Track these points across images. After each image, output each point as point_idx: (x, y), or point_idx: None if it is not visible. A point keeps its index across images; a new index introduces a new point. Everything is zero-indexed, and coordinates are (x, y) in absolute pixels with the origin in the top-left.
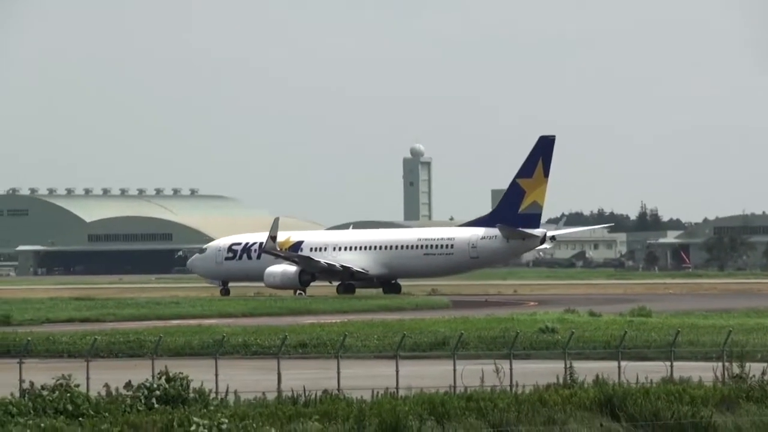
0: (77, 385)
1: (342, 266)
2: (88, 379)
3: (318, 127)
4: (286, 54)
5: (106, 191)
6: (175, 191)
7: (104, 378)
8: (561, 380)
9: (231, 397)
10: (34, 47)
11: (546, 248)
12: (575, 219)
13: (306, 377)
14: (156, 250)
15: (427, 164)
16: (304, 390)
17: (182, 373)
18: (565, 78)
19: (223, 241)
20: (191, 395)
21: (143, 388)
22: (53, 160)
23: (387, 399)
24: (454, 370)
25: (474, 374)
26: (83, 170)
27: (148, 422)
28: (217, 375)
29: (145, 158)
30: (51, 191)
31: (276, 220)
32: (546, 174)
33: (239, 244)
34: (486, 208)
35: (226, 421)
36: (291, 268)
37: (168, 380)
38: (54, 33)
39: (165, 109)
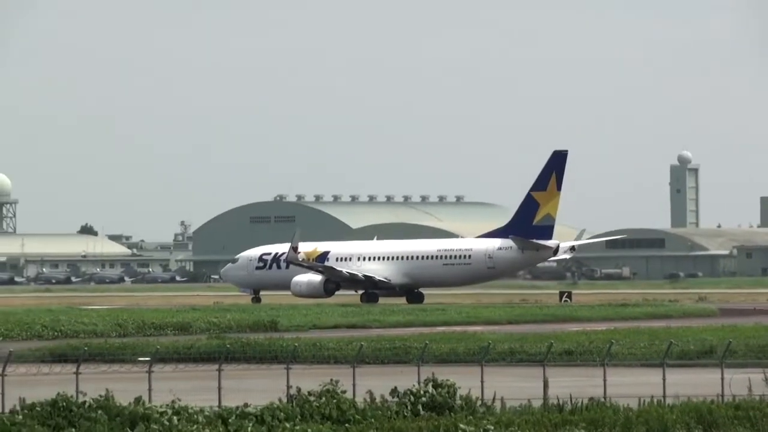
0: (343, 391)
1: (365, 276)
2: (354, 385)
3: (583, 133)
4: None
5: (371, 198)
6: (441, 198)
7: (369, 384)
8: None
9: (497, 404)
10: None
11: (566, 258)
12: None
13: (572, 385)
14: None
15: (695, 171)
16: (571, 397)
17: (449, 380)
18: None
19: (254, 252)
20: (458, 402)
21: (409, 394)
22: (320, 167)
23: (654, 407)
24: (722, 379)
25: (742, 383)
26: (349, 177)
27: (414, 429)
28: (483, 382)
29: (410, 165)
30: (317, 198)
31: (297, 232)
32: (559, 187)
33: (269, 254)
34: (755, 215)
35: (492, 428)
36: (316, 278)
37: (435, 387)
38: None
39: (432, 118)
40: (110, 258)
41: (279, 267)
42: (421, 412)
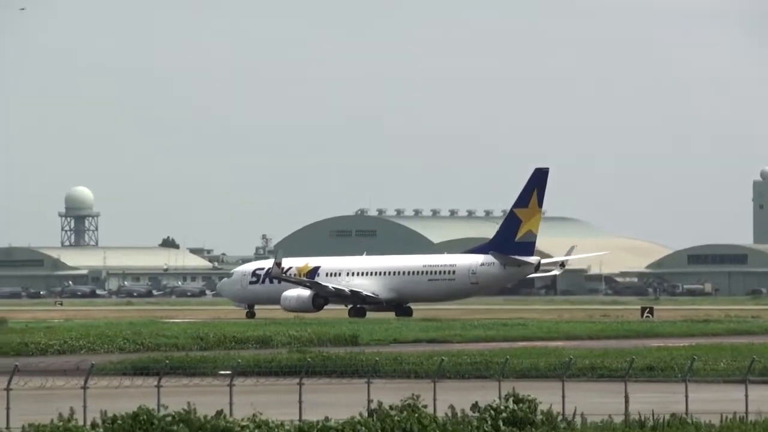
0: (424, 406)
1: (351, 291)
2: (434, 399)
3: (667, 149)
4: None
5: (453, 212)
6: None
7: (450, 399)
8: None
9: (578, 420)
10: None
11: (556, 274)
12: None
13: (653, 401)
14: None
15: None
16: (652, 413)
17: (529, 395)
18: None
19: (248, 267)
20: (538, 417)
21: (490, 409)
22: (402, 181)
23: (736, 423)
24: None
25: None
26: (431, 192)
27: None
28: (564, 397)
29: (491, 180)
30: (398, 212)
31: (280, 250)
32: (540, 204)
33: (262, 269)
34: None
35: None
36: (305, 293)
37: (516, 402)
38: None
39: (515, 131)
40: (191, 271)
41: (272, 282)
42: (502, 428)
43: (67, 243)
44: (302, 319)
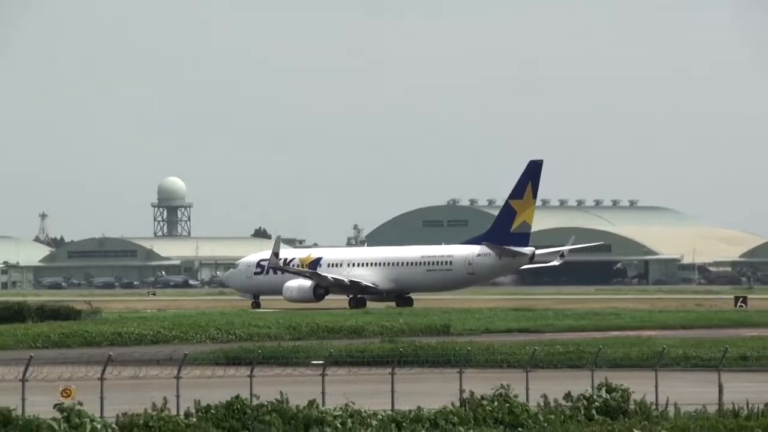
0: (516, 396)
1: (351, 281)
2: (527, 389)
3: (761, 136)
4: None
5: (545, 202)
6: (614, 202)
7: (543, 388)
8: None
9: (671, 410)
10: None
11: (555, 264)
12: None
13: (748, 390)
14: (594, 261)
15: None
16: (747, 403)
17: (622, 385)
18: None
19: (252, 257)
20: (631, 407)
21: (582, 399)
22: (493, 170)
23: None
24: None
25: None
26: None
27: None
28: (657, 387)
29: (584, 169)
30: (490, 202)
31: (278, 239)
32: (534, 196)
33: (266, 260)
34: None
35: None
36: (306, 283)
37: (608, 391)
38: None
39: (605, 121)
40: None
41: (275, 272)
42: (595, 417)
43: (159, 233)
44: (393, 309)
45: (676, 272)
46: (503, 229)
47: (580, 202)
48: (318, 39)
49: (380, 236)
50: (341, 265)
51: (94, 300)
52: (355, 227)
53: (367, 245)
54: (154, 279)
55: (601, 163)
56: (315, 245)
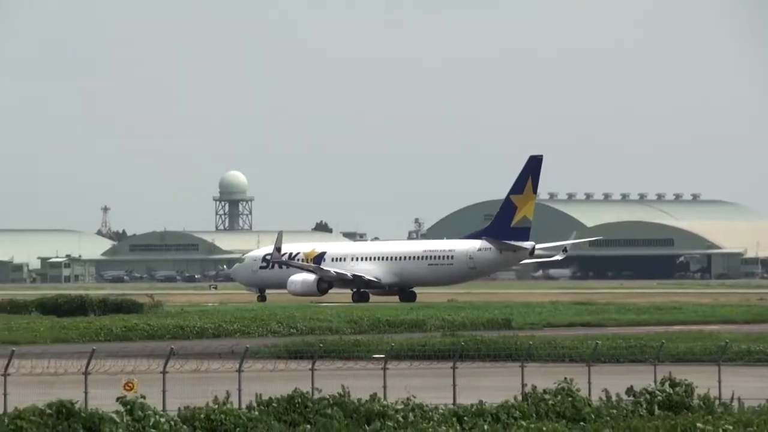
0: (578, 390)
1: (354, 275)
2: (589, 383)
3: None
4: None
5: (606, 196)
6: (677, 196)
7: (605, 383)
8: None
9: (735, 404)
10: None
11: (558, 259)
12: None
13: None
14: (657, 255)
15: None
16: None
17: (685, 379)
18: None
19: (258, 252)
20: (695, 402)
21: (645, 393)
22: (555, 163)
23: None
24: None
25: None
26: (584, 174)
27: (650, 428)
28: (720, 381)
29: (646, 163)
30: (552, 196)
31: (280, 234)
32: (534, 191)
33: (271, 254)
34: None
35: (731, 428)
36: (310, 277)
37: (671, 386)
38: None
39: (668, 116)
40: None
41: (280, 267)
42: (657, 412)
43: (221, 227)
44: (455, 303)
45: (739, 266)
46: (504, 224)
47: (642, 196)
48: (381, 31)
49: (441, 230)
50: (345, 259)
51: (156, 293)
52: (416, 221)
53: (370, 240)
54: (216, 273)
55: (663, 157)
56: (375, 239)
